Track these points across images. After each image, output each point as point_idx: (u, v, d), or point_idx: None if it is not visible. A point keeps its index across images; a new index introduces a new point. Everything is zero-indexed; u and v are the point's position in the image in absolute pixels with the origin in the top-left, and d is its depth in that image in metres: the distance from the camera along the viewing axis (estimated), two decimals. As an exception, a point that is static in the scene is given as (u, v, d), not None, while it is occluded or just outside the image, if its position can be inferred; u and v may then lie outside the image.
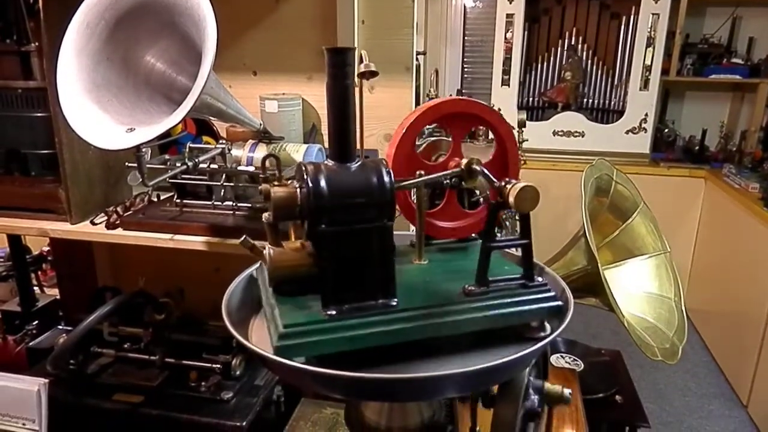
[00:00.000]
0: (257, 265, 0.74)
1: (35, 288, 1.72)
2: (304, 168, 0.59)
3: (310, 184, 0.57)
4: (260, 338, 0.64)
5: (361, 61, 0.69)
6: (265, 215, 0.62)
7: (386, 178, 0.59)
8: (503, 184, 0.59)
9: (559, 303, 0.65)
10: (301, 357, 0.55)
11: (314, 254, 0.61)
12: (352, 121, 0.61)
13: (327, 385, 0.55)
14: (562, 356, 1.59)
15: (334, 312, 0.58)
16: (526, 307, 0.64)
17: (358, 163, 0.61)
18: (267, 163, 0.65)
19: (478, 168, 0.69)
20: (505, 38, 3.39)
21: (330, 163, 0.61)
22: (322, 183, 0.57)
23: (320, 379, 0.54)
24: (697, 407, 2.63)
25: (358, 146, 0.64)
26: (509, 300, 0.63)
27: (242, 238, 0.62)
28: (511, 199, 0.57)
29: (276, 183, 0.60)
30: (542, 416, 0.86)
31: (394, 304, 0.60)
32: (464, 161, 0.71)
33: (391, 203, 0.59)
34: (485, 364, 0.53)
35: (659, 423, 2.47)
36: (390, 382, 0.54)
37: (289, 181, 0.61)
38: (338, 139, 0.61)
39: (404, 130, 0.69)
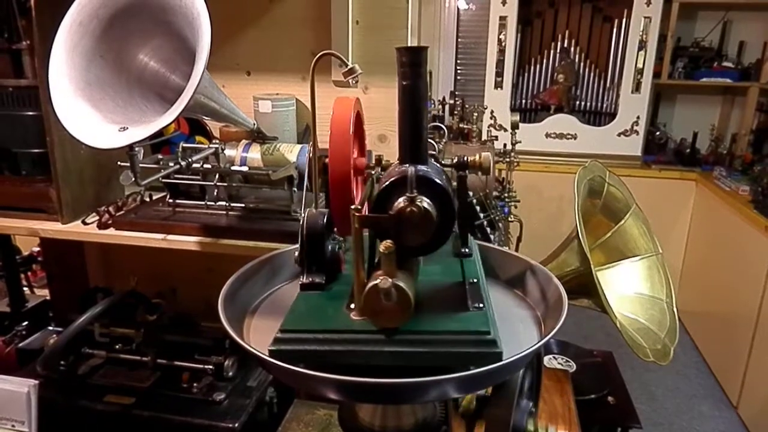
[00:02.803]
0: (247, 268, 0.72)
1: (25, 288, 1.71)
2: (424, 174, 0.56)
3: (451, 191, 0.57)
4: (257, 339, 0.64)
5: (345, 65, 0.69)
6: (387, 244, 0.53)
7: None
8: (465, 158, 0.69)
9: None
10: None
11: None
12: (426, 121, 0.61)
13: (324, 387, 0.55)
14: (554, 357, 1.59)
15: (480, 305, 0.60)
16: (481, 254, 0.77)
17: (429, 164, 0.61)
18: (412, 174, 0.55)
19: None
20: (498, 40, 3.40)
21: (411, 166, 0.59)
22: (450, 188, 0.58)
23: (318, 381, 0.54)
24: (688, 408, 2.65)
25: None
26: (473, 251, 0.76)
27: (387, 285, 0.52)
28: (485, 165, 0.68)
29: (416, 201, 0.55)
30: (535, 417, 0.86)
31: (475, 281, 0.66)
32: None
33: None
34: (480, 368, 0.52)
35: (650, 424, 2.48)
36: (385, 386, 0.53)
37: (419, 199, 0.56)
38: (414, 141, 0.60)
39: (350, 134, 0.69)
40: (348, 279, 0.68)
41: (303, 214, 0.67)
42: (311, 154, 0.67)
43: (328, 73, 1.27)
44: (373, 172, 0.71)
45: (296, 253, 0.68)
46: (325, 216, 0.67)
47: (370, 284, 0.53)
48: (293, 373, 0.55)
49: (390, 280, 0.52)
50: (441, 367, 0.54)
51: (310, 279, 0.67)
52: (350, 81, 0.67)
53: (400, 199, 0.56)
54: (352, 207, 0.56)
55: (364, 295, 0.54)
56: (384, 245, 0.53)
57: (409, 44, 1.26)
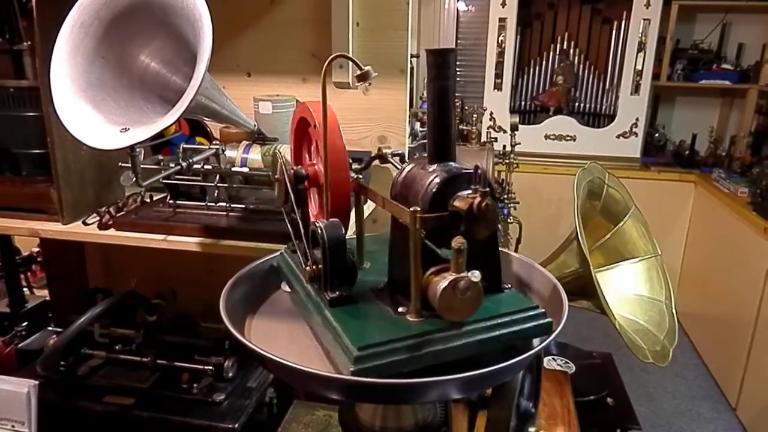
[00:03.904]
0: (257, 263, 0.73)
1: (25, 289, 1.71)
2: (479, 170, 0.57)
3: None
4: (258, 338, 0.64)
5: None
6: (461, 240, 0.53)
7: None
8: None
9: None
10: None
11: None
12: (455, 121, 0.62)
13: (325, 387, 0.55)
14: (554, 359, 1.59)
15: (509, 285, 0.64)
16: None
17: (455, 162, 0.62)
18: (482, 170, 0.56)
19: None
20: (498, 42, 3.41)
21: (444, 165, 0.60)
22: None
23: (318, 381, 0.54)
24: (687, 410, 2.65)
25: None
26: None
27: (478, 279, 0.53)
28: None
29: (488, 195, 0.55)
30: (535, 418, 0.87)
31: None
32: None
33: None
34: (481, 370, 0.53)
35: (649, 425, 2.48)
36: (387, 387, 0.54)
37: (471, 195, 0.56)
38: (442, 140, 0.61)
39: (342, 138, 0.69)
40: (361, 285, 0.66)
41: (308, 226, 0.65)
42: (285, 159, 0.67)
43: (328, 75, 1.27)
44: (360, 176, 0.72)
45: (308, 268, 0.64)
46: (341, 226, 0.63)
47: (447, 281, 0.53)
48: (297, 373, 0.55)
49: (478, 274, 0.53)
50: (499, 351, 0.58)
51: (337, 293, 0.63)
52: (364, 85, 0.67)
53: (464, 196, 0.56)
54: (412, 209, 0.55)
55: (441, 292, 0.54)
56: (458, 241, 0.53)
57: (408, 46, 1.27)
